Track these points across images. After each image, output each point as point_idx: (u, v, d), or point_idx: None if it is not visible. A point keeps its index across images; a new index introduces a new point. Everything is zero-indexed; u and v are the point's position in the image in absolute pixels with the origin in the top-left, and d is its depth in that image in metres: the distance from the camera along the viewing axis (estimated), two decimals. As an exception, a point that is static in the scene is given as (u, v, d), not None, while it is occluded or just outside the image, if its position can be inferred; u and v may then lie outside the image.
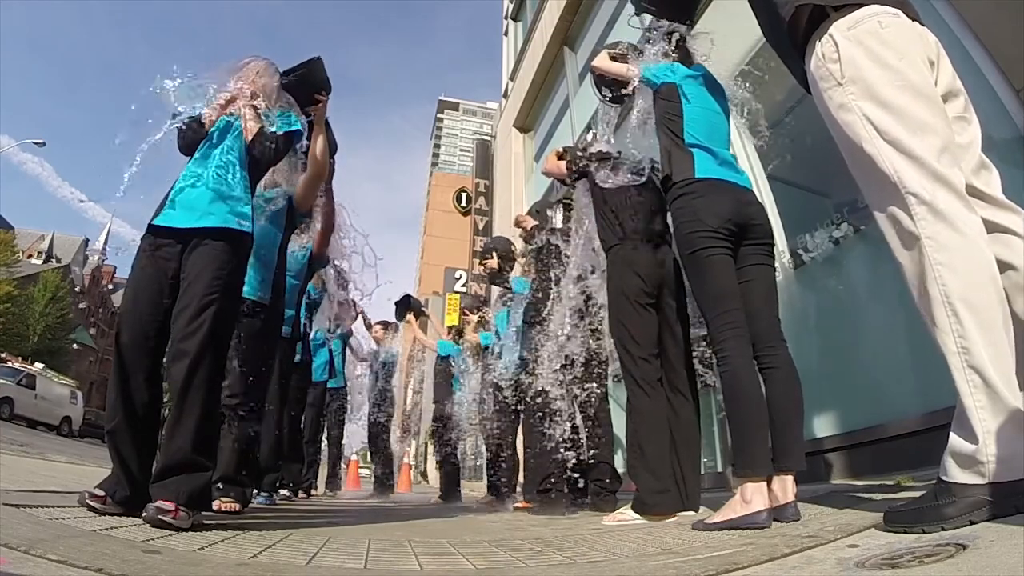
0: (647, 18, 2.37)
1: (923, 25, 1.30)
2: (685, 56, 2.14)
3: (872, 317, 2.64)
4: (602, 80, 2.32)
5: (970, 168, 1.20)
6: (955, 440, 1.06)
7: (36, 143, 20.52)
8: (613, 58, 2.24)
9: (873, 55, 1.20)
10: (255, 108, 2.00)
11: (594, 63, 2.30)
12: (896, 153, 1.14)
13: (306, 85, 2.23)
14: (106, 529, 1.30)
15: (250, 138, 1.93)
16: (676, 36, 2.18)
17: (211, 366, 1.66)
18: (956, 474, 1.04)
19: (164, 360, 1.69)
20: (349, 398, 5.78)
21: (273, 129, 1.99)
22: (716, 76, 2.14)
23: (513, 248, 4.18)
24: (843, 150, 1.26)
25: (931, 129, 1.14)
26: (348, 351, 5.67)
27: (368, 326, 5.83)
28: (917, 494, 1.17)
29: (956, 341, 1.05)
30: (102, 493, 1.55)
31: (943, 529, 1.00)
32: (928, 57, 1.24)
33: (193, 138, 1.90)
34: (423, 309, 6.13)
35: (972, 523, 0.98)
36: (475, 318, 5.02)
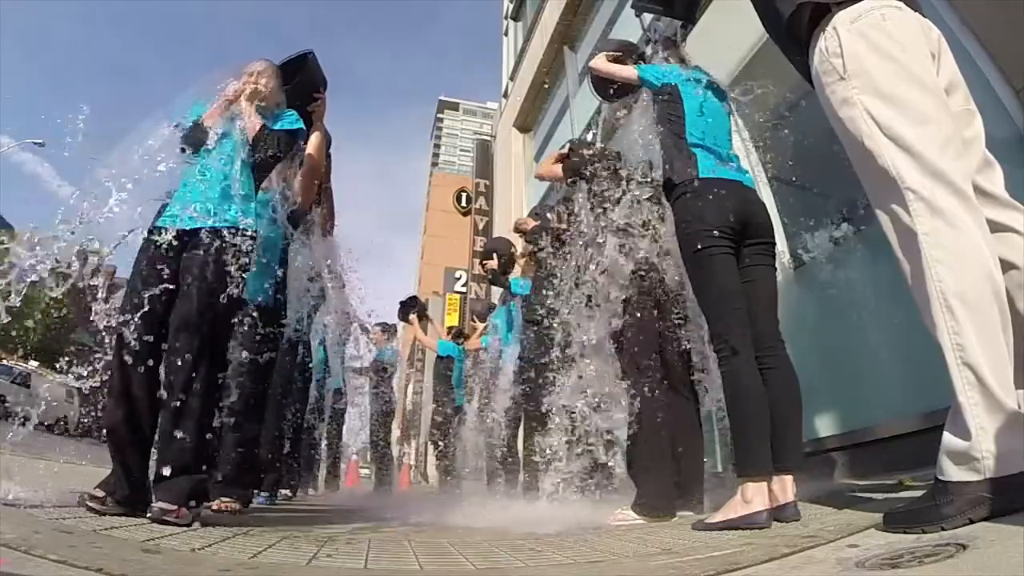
0: (644, 16, 2.37)
1: (925, 17, 1.30)
2: (682, 59, 2.15)
3: (872, 317, 2.64)
4: (601, 82, 2.32)
5: (974, 164, 1.20)
6: (948, 438, 1.06)
7: (36, 143, 20.47)
8: (611, 60, 2.24)
9: (875, 47, 1.20)
10: (256, 108, 2.00)
11: (592, 64, 2.30)
12: (896, 148, 1.14)
13: (304, 84, 2.24)
14: (106, 529, 1.30)
15: (252, 138, 1.93)
16: (674, 39, 2.19)
17: (210, 367, 1.66)
18: (952, 472, 1.04)
19: (164, 360, 1.69)
20: (348, 398, 5.79)
21: (275, 128, 1.99)
22: (715, 77, 2.14)
23: (514, 249, 4.18)
24: (845, 144, 1.26)
25: (933, 121, 1.14)
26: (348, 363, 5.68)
27: (365, 330, 5.87)
28: (918, 494, 1.17)
29: (951, 338, 1.05)
30: (102, 493, 1.55)
31: (943, 529, 1.00)
32: (930, 50, 1.24)
33: (195, 140, 1.91)
34: (426, 313, 6.20)
35: (971, 521, 0.98)
36: (482, 327, 5.06)
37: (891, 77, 1.17)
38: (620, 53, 2.28)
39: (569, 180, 2.59)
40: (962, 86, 1.27)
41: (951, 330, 1.05)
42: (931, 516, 1.03)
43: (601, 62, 2.25)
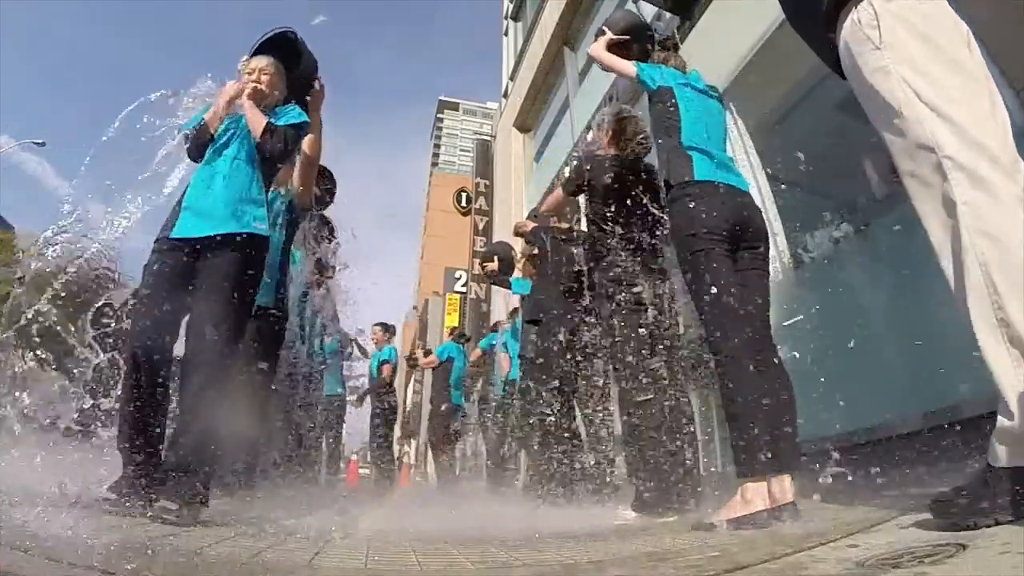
0: (644, 8, 2.34)
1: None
2: (679, 61, 2.14)
3: (873, 317, 2.64)
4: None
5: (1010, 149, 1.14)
6: (1003, 423, 0.98)
7: (36, 143, 20.46)
8: (616, 44, 2.22)
9: (911, 26, 1.18)
10: (258, 105, 1.96)
11: (592, 53, 2.27)
12: (936, 117, 1.09)
13: (302, 75, 2.20)
14: (107, 529, 1.30)
15: (257, 136, 1.89)
16: (673, 40, 2.18)
17: (223, 374, 1.66)
18: (1006, 458, 0.98)
19: (172, 363, 1.70)
20: (349, 398, 5.81)
21: (279, 124, 1.95)
22: (714, 78, 2.14)
23: (514, 252, 4.20)
24: (875, 115, 1.22)
25: (972, 99, 1.11)
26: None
27: (364, 353, 5.93)
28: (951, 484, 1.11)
29: (995, 313, 0.98)
30: (113, 495, 1.56)
31: (997, 522, 0.94)
32: (964, 40, 1.22)
33: (200, 142, 1.89)
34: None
35: None
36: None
37: (927, 55, 1.15)
38: (627, 37, 2.24)
39: (569, 195, 2.59)
40: (991, 80, 1.25)
41: (995, 304, 0.98)
42: (984, 507, 0.97)
43: (601, 51, 2.22)
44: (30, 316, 1.61)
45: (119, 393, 1.70)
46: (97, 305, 1.88)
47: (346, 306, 3.58)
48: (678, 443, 2.07)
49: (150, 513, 1.48)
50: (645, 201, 2.30)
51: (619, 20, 2.32)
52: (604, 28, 2.29)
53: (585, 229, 2.70)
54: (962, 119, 1.08)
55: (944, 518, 1.03)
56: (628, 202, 2.32)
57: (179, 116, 1.95)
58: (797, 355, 1.78)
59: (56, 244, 1.73)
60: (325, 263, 3.06)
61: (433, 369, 5.83)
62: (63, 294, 1.69)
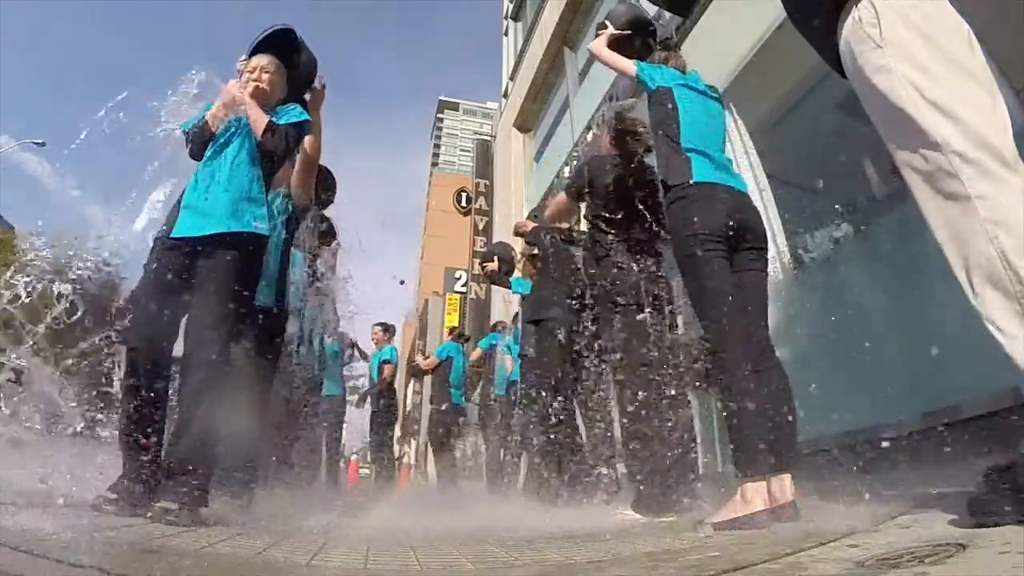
0: (644, 5, 2.33)
1: None
2: (680, 61, 2.14)
3: (872, 317, 2.64)
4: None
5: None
6: None
7: (36, 143, 20.46)
8: (618, 40, 2.22)
9: (912, 25, 1.18)
10: (260, 104, 1.96)
11: (593, 50, 2.26)
12: (940, 114, 1.10)
13: (302, 74, 2.19)
14: (108, 529, 1.30)
15: (259, 134, 1.89)
16: (671, 40, 2.17)
17: (222, 374, 1.66)
18: None
19: (171, 363, 1.70)
20: (349, 398, 5.81)
21: (281, 123, 1.94)
22: (714, 78, 2.14)
23: (514, 252, 4.20)
24: (877, 114, 1.22)
25: (973, 100, 1.11)
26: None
27: (364, 356, 5.92)
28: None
29: (1019, 302, 0.98)
30: (114, 495, 1.56)
31: None
32: (966, 39, 1.22)
33: (201, 141, 1.88)
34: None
35: None
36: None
37: (929, 54, 1.15)
38: (629, 32, 2.24)
39: (574, 199, 2.59)
40: (993, 81, 1.25)
41: (1019, 294, 0.98)
42: None
43: (601, 48, 2.21)
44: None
45: (119, 393, 1.70)
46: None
47: (346, 316, 3.59)
48: (678, 443, 2.07)
49: (150, 513, 1.48)
50: (645, 202, 2.30)
51: (621, 14, 2.31)
52: (606, 22, 2.28)
53: (585, 229, 2.70)
54: (966, 116, 1.09)
55: (982, 516, 1.00)
56: (628, 203, 2.32)
57: (162, 118, 1.94)
58: (796, 355, 1.78)
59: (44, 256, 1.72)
60: (321, 270, 3.06)
61: (433, 369, 5.84)
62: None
